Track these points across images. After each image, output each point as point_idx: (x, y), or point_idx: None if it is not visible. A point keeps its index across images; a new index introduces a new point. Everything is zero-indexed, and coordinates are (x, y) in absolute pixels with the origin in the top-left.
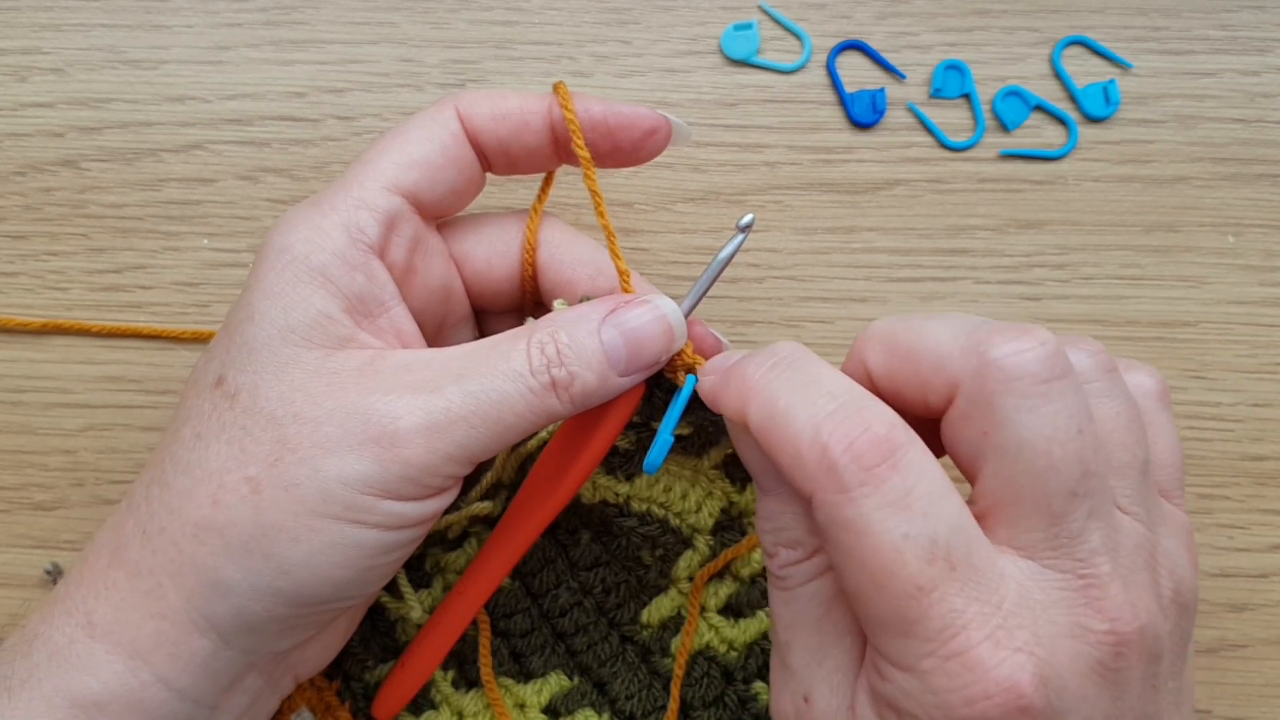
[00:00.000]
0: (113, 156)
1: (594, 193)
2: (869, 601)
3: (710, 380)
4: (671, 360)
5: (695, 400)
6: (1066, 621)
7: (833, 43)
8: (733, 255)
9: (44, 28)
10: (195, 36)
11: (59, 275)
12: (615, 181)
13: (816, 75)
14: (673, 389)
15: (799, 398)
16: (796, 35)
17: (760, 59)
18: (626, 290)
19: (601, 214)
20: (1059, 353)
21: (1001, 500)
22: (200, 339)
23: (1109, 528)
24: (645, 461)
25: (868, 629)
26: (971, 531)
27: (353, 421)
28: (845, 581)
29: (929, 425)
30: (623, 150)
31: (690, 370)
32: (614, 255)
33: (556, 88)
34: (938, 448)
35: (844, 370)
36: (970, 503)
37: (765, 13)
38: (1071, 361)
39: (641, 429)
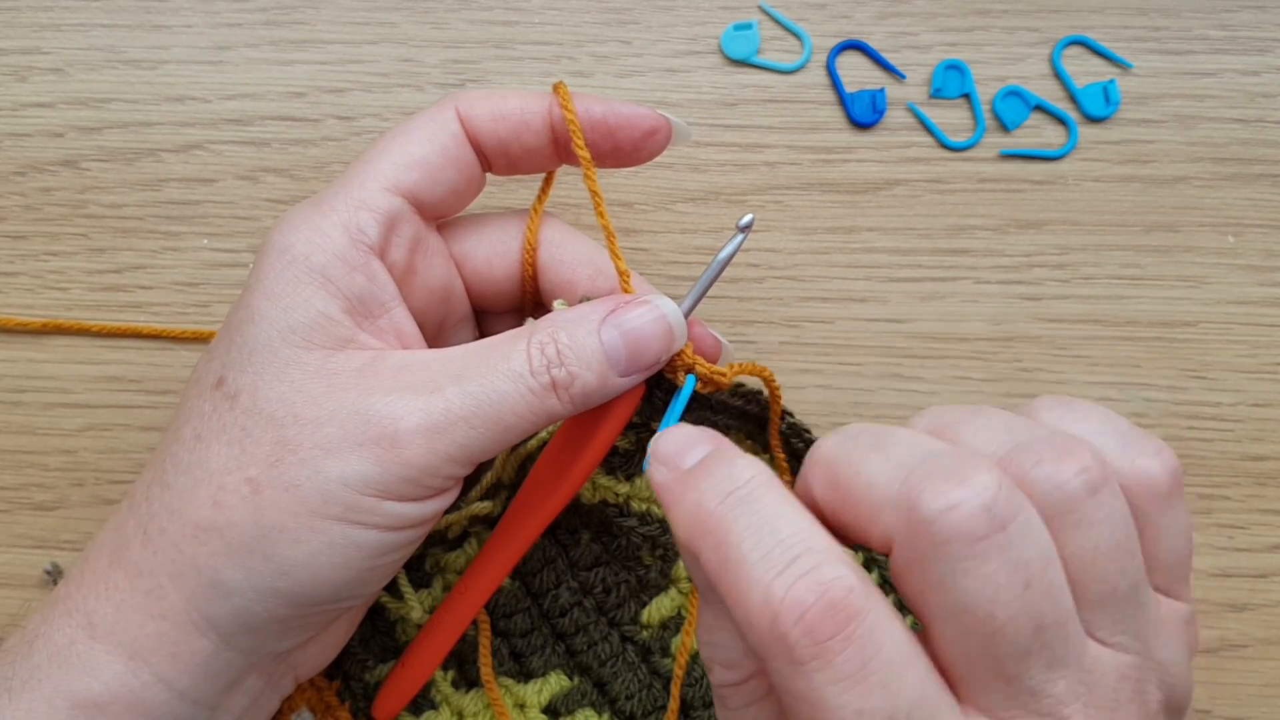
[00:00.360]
0: (113, 156)
1: (594, 193)
2: None
3: (662, 479)
4: (671, 360)
5: (695, 400)
6: None
7: (833, 43)
8: (732, 255)
9: (44, 28)
10: (195, 36)
11: (59, 275)
12: (615, 181)
13: (816, 75)
14: (673, 389)
15: (753, 544)
16: (796, 35)
17: (760, 59)
18: (626, 290)
19: (601, 214)
20: (997, 500)
21: (953, 661)
22: (200, 338)
23: (1077, 671)
24: (645, 462)
25: None
26: (935, 702)
27: (353, 422)
28: None
29: None
30: (623, 150)
31: (690, 370)
32: (614, 255)
33: (556, 88)
34: None
35: (797, 492)
36: (929, 653)
37: (765, 13)
38: (1049, 486)
39: (641, 429)
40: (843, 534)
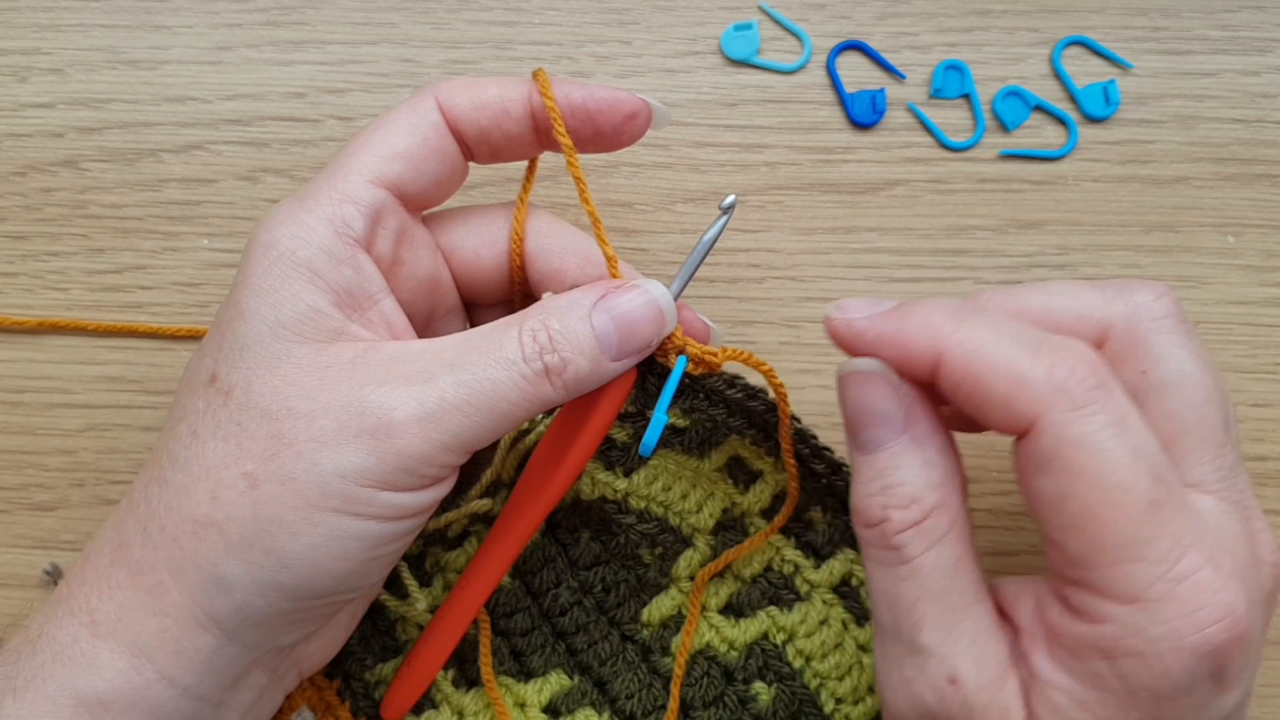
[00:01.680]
0: (113, 156)
1: (577, 179)
2: (1100, 524)
3: (865, 321)
4: (663, 344)
5: (689, 387)
6: (1247, 553)
7: (833, 43)
8: (717, 237)
9: (44, 28)
10: (195, 36)
11: (59, 275)
12: (615, 182)
13: (816, 75)
14: (665, 375)
15: (1004, 334)
16: (796, 35)
17: (760, 59)
18: (615, 276)
19: (586, 200)
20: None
21: (1171, 435)
22: (197, 336)
23: (1242, 467)
24: (641, 444)
25: (1084, 566)
26: (1169, 465)
27: (347, 414)
28: (1069, 509)
29: None
30: (604, 135)
31: (681, 352)
32: (600, 241)
33: (536, 75)
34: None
35: None
36: None
37: (765, 13)
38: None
39: (637, 419)
40: None
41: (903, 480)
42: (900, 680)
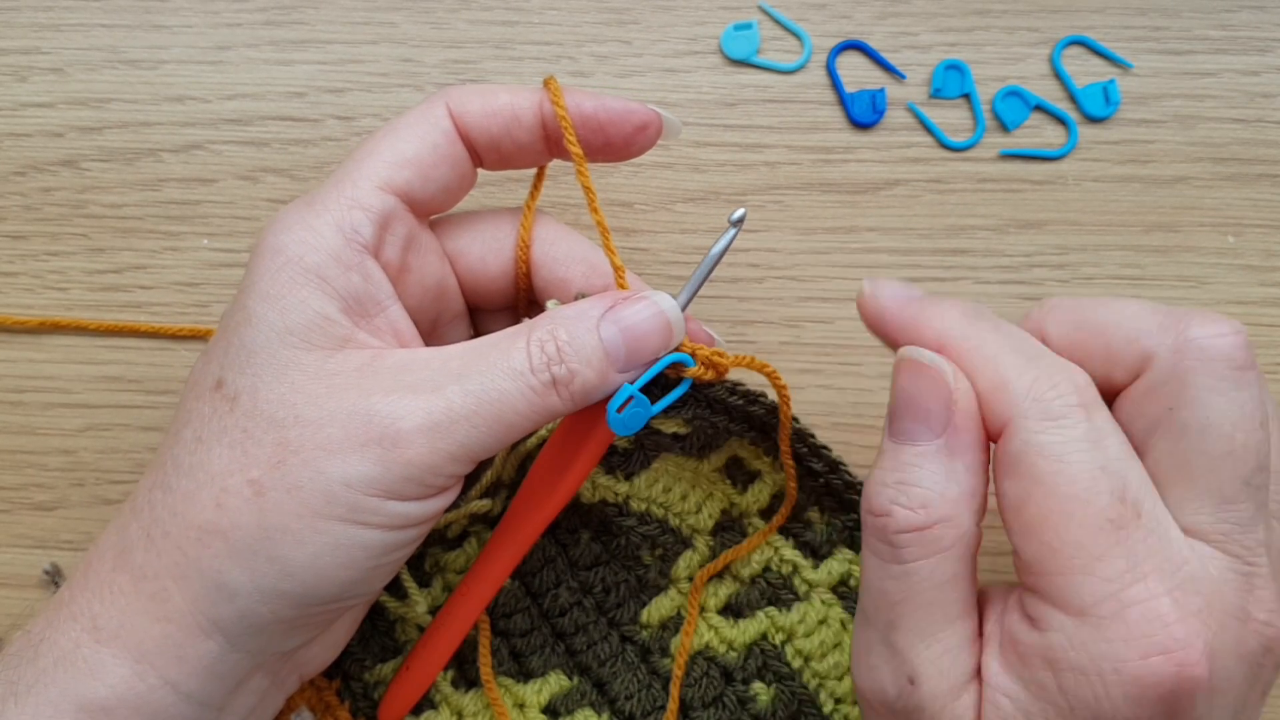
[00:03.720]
0: (113, 156)
1: (587, 189)
2: (1054, 531)
3: (894, 301)
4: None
5: (697, 400)
6: (1234, 603)
7: (833, 43)
8: (726, 249)
9: (44, 28)
10: (195, 36)
11: (59, 275)
12: (615, 181)
13: (816, 75)
14: (669, 387)
15: (1005, 342)
16: (796, 35)
17: (760, 59)
18: (622, 286)
19: (595, 209)
20: (1250, 344)
21: (1172, 477)
22: (198, 336)
23: (1269, 527)
24: (619, 421)
25: (1037, 573)
26: (1155, 494)
27: (354, 423)
28: (1027, 513)
29: None
30: (614, 145)
31: (691, 355)
32: (609, 251)
33: (547, 83)
34: None
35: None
36: None
37: (765, 13)
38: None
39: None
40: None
41: (920, 481)
42: (868, 664)
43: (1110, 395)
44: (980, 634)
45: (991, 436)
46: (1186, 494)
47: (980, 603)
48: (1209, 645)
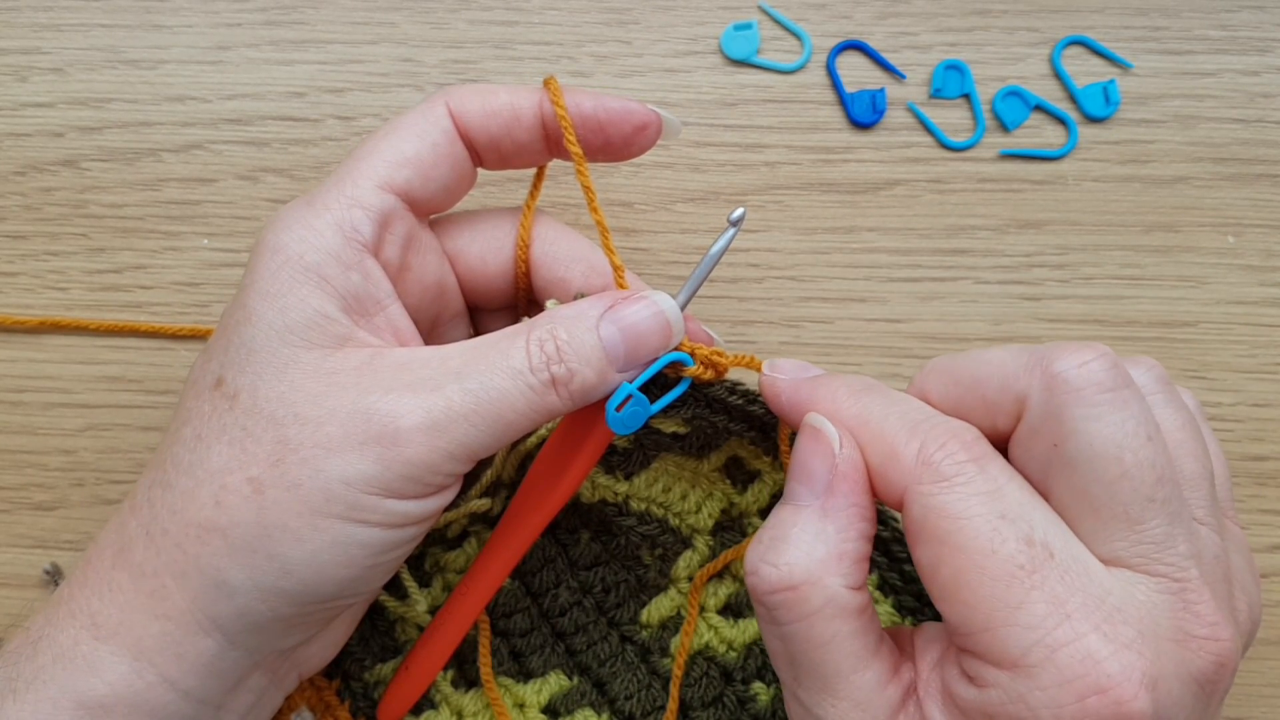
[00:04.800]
0: (113, 156)
1: (586, 188)
2: (968, 590)
3: (788, 383)
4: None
5: (696, 400)
6: (1170, 625)
7: (833, 43)
8: (725, 249)
9: (44, 28)
10: (195, 36)
11: (59, 275)
12: (615, 181)
13: (816, 75)
14: (668, 386)
15: (892, 410)
16: (796, 35)
17: (760, 59)
18: (621, 286)
19: (595, 209)
20: (1119, 363)
21: (1079, 512)
22: (198, 335)
23: (1191, 535)
24: (618, 420)
25: (964, 633)
26: (1066, 531)
27: (354, 421)
28: (941, 575)
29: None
30: (613, 145)
31: (690, 355)
32: (608, 251)
33: (547, 83)
34: None
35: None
36: None
37: (765, 13)
38: (1138, 373)
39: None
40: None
41: (789, 540)
42: (789, 713)
43: (1001, 443)
44: (904, 662)
45: (895, 507)
46: (1096, 525)
47: (913, 641)
48: (1147, 675)
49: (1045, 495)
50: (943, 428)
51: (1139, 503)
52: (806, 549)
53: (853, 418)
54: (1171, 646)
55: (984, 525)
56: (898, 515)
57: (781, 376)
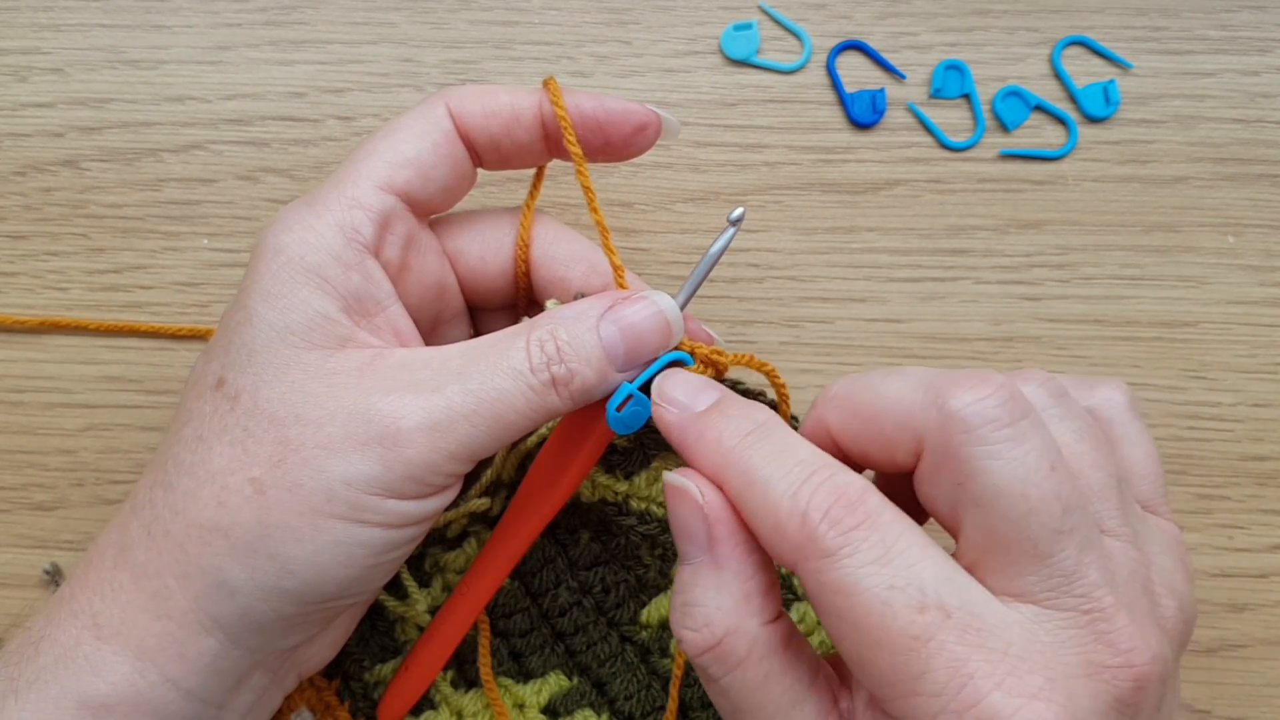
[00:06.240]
0: (113, 156)
1: (586, 189)
2: (871, 664)
3: (675, 418)
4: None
5: None
6: (1079, 661)
7: (833, 43)
8: (725, 249)
9: (44, 28)
10: (195, 36)
11: (59, 275)
12: (615, 181)
13: (816, 75)
14: None
15: (775, 466)
16: (796, 35)
17: (760, 59)
18: (621, 286)
19: (595, 209)
20: (1016, 394)
21: (988, 549)
22: (198, 335)
23: (1102, 558)
24: (618, 420)
25: (879, 702)
26: (962, 580)
27: (355, 422)
28: (844, 649)
29: (905, 480)
30: (613, 145)
31: (690, 353)
32: (608, 250)
33: (547, 83)
34: (916, 505)
35: (805, 433)
36: (957, 556)
37: (765, 13)
38: (1030, 390)
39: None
40: (861, 460)
41: (697, 600)
42: None
43: (904, 477)
44: (838, 703)
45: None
46: (1004, 561)
47: (838, 671)
48: (1063, 717)
49: (956, 530)
50: (826, 488)
51: (1047, 537)
52: (714, 603)
53: (738, 478)
54: (1084, 683)
55: (874, 600)
56: None
57: (669, 411)
